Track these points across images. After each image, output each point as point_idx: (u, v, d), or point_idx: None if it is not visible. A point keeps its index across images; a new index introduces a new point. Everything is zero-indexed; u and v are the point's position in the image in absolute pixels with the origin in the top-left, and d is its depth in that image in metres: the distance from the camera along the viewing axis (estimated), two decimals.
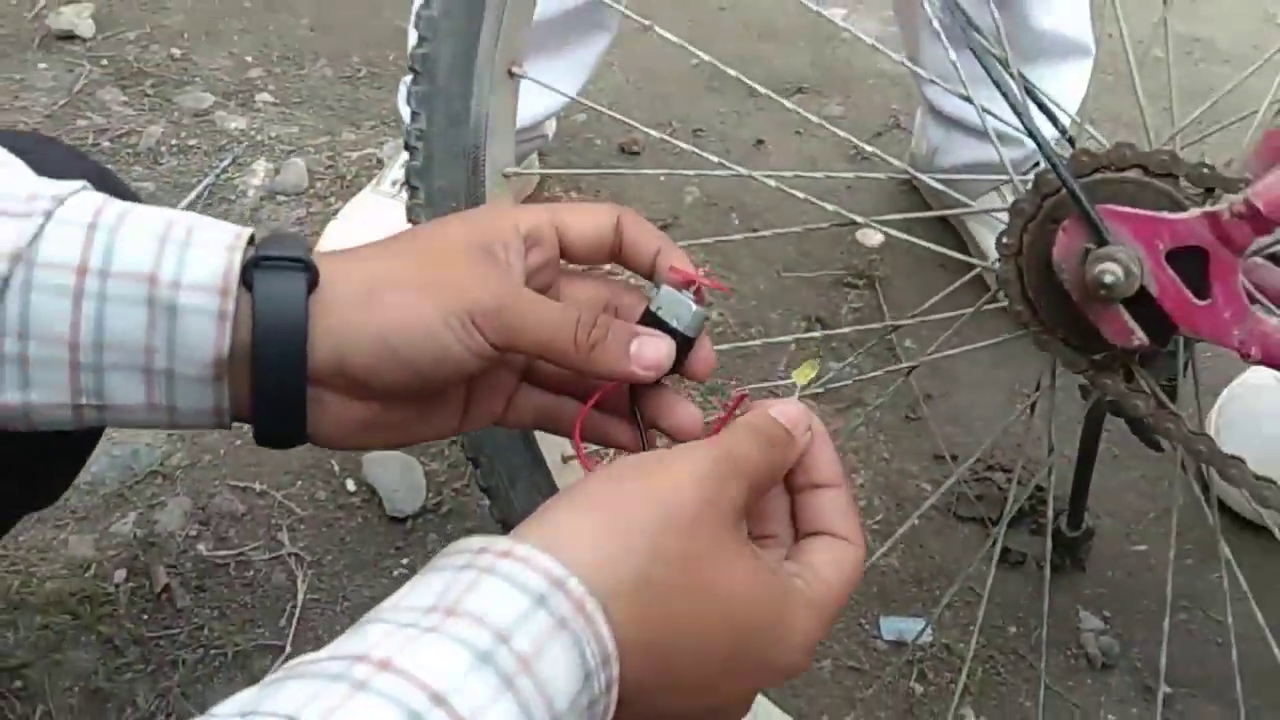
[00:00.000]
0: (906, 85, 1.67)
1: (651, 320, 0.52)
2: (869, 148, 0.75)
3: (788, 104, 0.71)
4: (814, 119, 0.72)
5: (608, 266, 0.58)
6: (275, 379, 0.49)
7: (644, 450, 0.55)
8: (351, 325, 0.48)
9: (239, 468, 1.11)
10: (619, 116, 0.79)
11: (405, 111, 0.90)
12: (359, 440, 0.53)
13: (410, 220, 0.81)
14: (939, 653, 1.00)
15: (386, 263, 0.51)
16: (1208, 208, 0.56)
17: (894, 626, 1.01)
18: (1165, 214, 0.57)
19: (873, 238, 1.42)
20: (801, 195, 0.70)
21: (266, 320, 0.48)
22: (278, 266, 0.48)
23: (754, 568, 0.45)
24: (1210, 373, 1.24)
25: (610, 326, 0.50)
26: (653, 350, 0.50)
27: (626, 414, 0.55)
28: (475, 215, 0.54)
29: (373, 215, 1.31)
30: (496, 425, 0.57)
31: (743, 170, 0.72)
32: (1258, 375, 1.17)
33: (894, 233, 0.71)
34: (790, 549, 0.50)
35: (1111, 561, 1.07)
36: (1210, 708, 0.98)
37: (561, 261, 0.55)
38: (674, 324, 0.51)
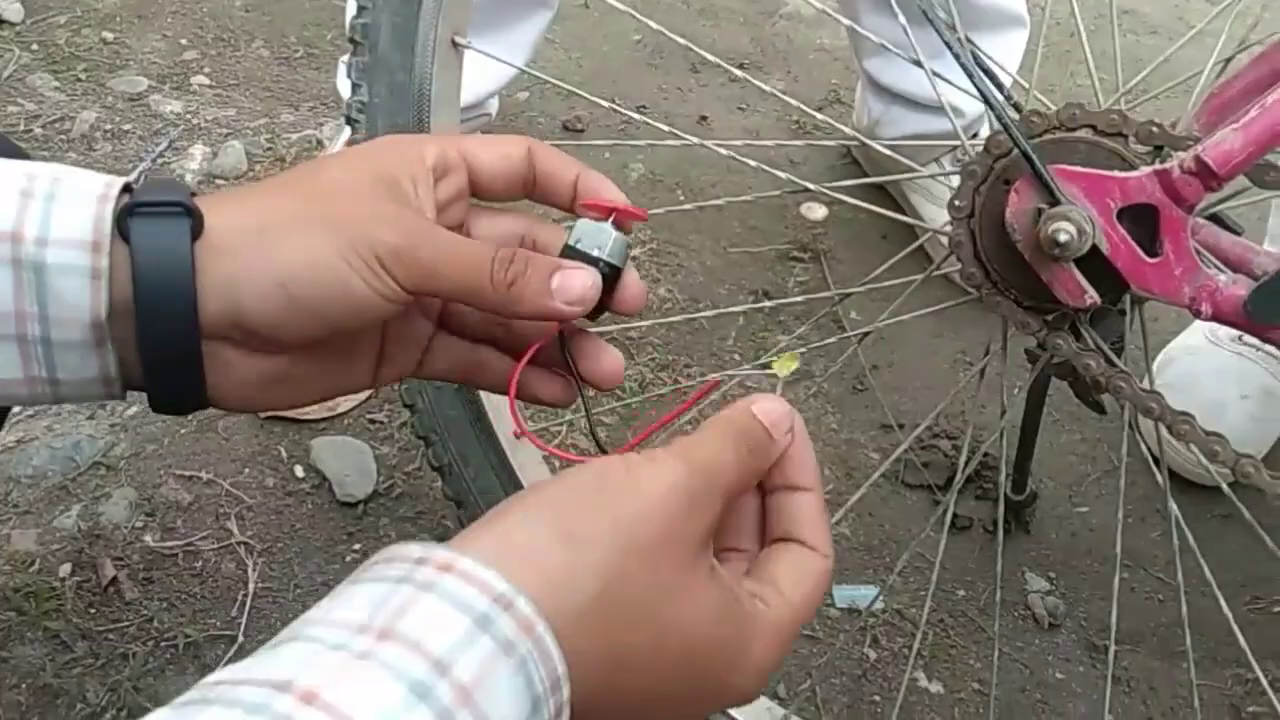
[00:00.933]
0: (846, 60, 1.66)
1: (571, 256, 0.48)
2: (819, 115, 0.73)
3: (736, 72, 0.69)
4: (766, 88, 0.70)
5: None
6: (164, 338, 0.43)
7: (579, 397, 0.51)
8: (245, 273, 0.43)
9: (184, 456, 1.07)
10: (564, 85, 0.76)
11: (344, 88, 0.86)
12: (264, 399, 0.48)
13: None
14: (891, 618, 0.99)
15: (281, 201, 0.45)
16: (1158, 165, 0.55)
17: (846, 594, 1.00)
18: (1116, 173, 0.56)
19: (817, 211, 1.41)
20: (754, 164, 0.68)
21: (148, 274, 0.42)
22: (155, 213, 0.43)
23: (717, 599, 0.41)
24: (1147, 334, 1.25)
25: (529, 260, 0.46)
26: (578, 282, 0.46)
27: (552, 366, 0.51)
28: (377, 146, 0.49)
29: None
30: (414, 378, 0.54)
31: (694, 139, 0.70)
32: (1193, 337, 1.18)
33: (844, 197, 0.70)
34: (755, 558, 0.46)
35: (1055, 524, 1.07)
36: (1153, 662, 0.98)
37: (471, 200, 0.50)
38: (596, 254, 0.47)
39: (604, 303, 0.48)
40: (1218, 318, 0.55)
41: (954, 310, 1.08)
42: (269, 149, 1.42)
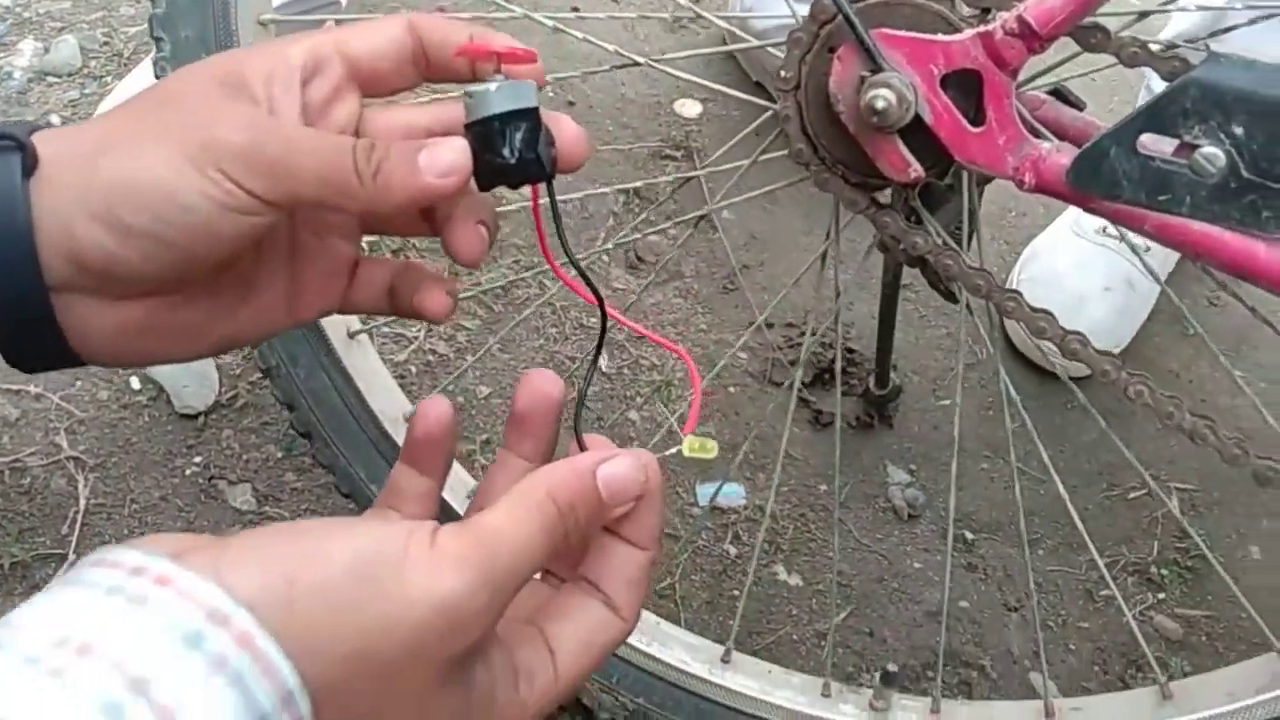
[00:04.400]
0: None
1: (473, 132, 0.42)
2: (685, 1, 0.68)
3: None
4: None
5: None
6: (4, 289, 0.39)
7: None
8: (75, 202, 0.39)
9: (10, 369, 1.00)
10: None
11: None
12: (147, 350, 0.43)
13: (158, 77, 0.72)
14: (752, 514, 0.99)
15: (116, 121, 0.41)
16: (981, 28, 0.53)
17: (709, 492, 0.99)
18: (940, 36, 0.53)
19: (691, 108, 1.37)
20: (580, 35, 0.64)
21: None
22: None
23: (457, 708, 0.38)
24: (1014, 230, 1.25)
25: (390, 146, 0.41)
26: (445, 152, 0.41)
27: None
28: (234, 52, 0.44)
29: None
30: (345, 313, 0.48)
31: (547, 21, 0.65)
32: (1057, 230, 1.18)
33: (675, 72, 0.66)
34: (551, 600, 0.43)
35: (918, 417, 1.08)
36: (1010, 550, 1.00)
37: (366, 101, 0.45)
38: (490, 114, 0.41)
39: (530, 169, 0.42)
40: (1041, 188, 0.54)
41: (825, 211, 1.06)
42: (106, 44, 1.32)
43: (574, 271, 0.46)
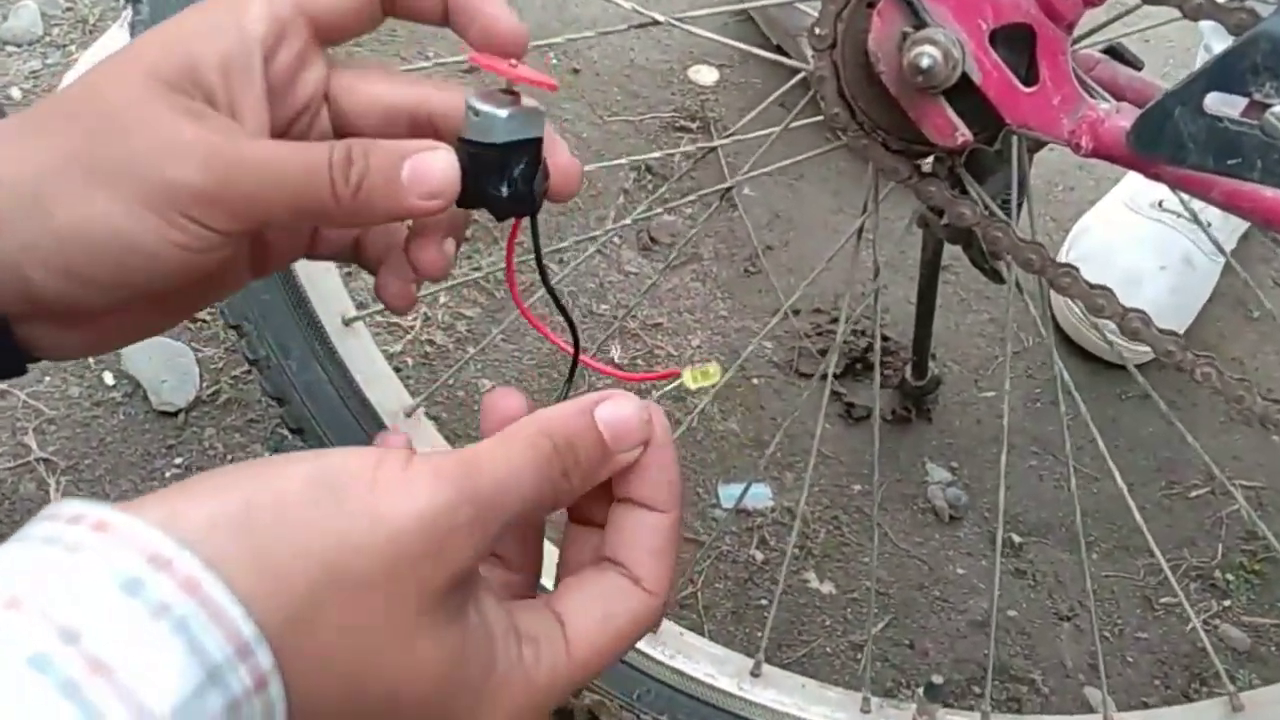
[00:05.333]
0: None
1: (468, 152, 0.42)
2: None
3: None
4: None
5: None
6: None
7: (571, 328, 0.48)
8: (23, 247, 0.39)
9: None
10: None
11: None
12: (110, 346, 0.45)
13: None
14: (780, 517, 0.99)
15: (56, 141, 0.40)
16: None
17: (733, 494, 0.99)
18: None
19: (706, 76, 1.37)
20: None
21: None
22: None
23: (447, 656, 0.36)
24: (1062, 205, 1.25)
25: (369, 152, 0.40)
26: (433, 170, 0.40)
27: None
28: (175, 29, 0.41)
29: None
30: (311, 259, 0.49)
31: None
32: (1108, 206, 1.18)
33: (707, 35, 0.66)
34: (564, 584, 0.42)
35: (959, 410, 1.08)
36: (1060, 554, 1.00)
37: (332, 53, 0.44)
38: (494, 141, 0.41)
39: (525, 199, 0.42)
40: (1099, 153, 0.53)
41: (855, 187, 1.06)
42: (69, 9, 1.33)
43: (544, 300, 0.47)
